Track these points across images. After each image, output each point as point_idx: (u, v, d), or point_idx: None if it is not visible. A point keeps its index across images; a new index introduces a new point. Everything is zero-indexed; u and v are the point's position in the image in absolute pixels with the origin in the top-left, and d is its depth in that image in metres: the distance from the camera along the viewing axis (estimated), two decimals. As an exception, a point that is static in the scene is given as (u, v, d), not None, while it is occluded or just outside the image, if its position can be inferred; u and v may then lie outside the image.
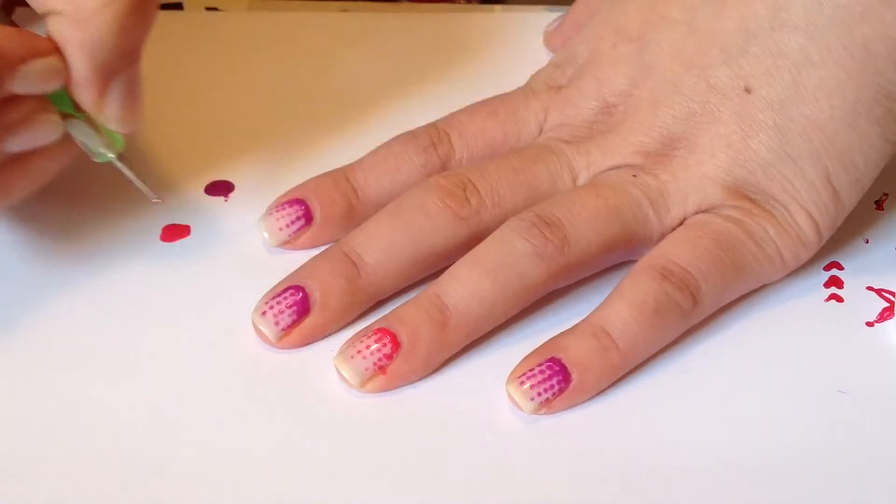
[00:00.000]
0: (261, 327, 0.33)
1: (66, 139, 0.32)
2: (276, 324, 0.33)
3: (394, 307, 0.33)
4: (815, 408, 0.32)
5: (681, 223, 0.34)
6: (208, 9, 0.47)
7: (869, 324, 0.34)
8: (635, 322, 0.32)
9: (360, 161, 0.37)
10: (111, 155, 0.33)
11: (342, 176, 0.36)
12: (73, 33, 0.30)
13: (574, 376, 0.31)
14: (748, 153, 0.34)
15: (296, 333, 0.33)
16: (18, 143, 0.31)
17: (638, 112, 0.35)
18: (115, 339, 0.33)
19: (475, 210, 0.34)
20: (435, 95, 0.42)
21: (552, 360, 0.31)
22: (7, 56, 0.29)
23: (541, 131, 0.37)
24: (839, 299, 0.35)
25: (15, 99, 0.30)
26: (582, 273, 0.34)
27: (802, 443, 0.31)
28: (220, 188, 0.38)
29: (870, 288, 0.35)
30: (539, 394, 0.31)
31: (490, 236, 0.33)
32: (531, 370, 0.31)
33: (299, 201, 0.36)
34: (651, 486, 0.30)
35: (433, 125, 0.37)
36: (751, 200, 0.34)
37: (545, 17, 0.45)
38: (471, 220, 0.34)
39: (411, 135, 0.37)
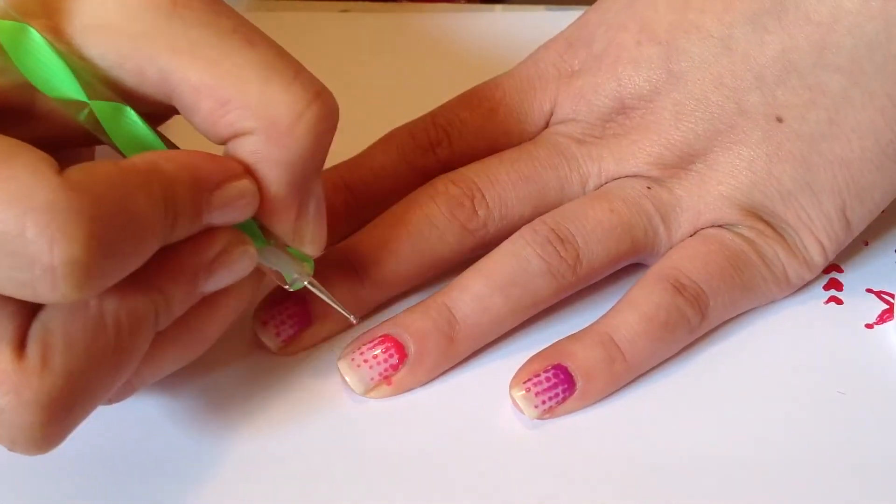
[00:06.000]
0: (262, 338, 0.33)
1: (254, 271, 0.29)
2: (278, 335, 0.33)
3: (395, 305, 0.34)
4: (815, 409, 0.32)
5: (691, 234, 0.34)
6: (208, 9, 0.47)
7: (868, 326, 0.34)
8: (645, 334, 0.32)
9: (358, 163, 0.35)
10: (307, 280, 0.30)
11: (340, 181, 0.35)
12: (271, 151, 0.26)
13: (578, 385, 0.31)
14: (770, 180, 0.33)
15: (296, 344, 0.33)
16: (216, 283, 0.27)
17: (659, 123, 0.34)
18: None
19: (483, 223, 0.34)
20: (435, 95, 0.41)
21: (558, 367, 0.31)
22: (205, 181, 0.26)
23: (547, 123, 0.36)
24: (839, 301, 0.35)
25: (209, 233, 0.27)
26: (586, 285, 0.34)
27: (802, 443, 0.31)
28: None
29: (869, 290, 0.36)
30: (543, 402, 0.31)
31: (504, 247, 0.33)
32: (536, 376, 0.31)
33: None
34: (653, 487, 0.30)
35: (432, 122, 0.36)
36: (764, 221, 0.34)
37: (545, 17, 0.45)
38: (478, 232, 0.34)
39: (409, 134, 0.36)
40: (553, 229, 0.33)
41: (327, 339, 0.33)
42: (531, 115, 0.36)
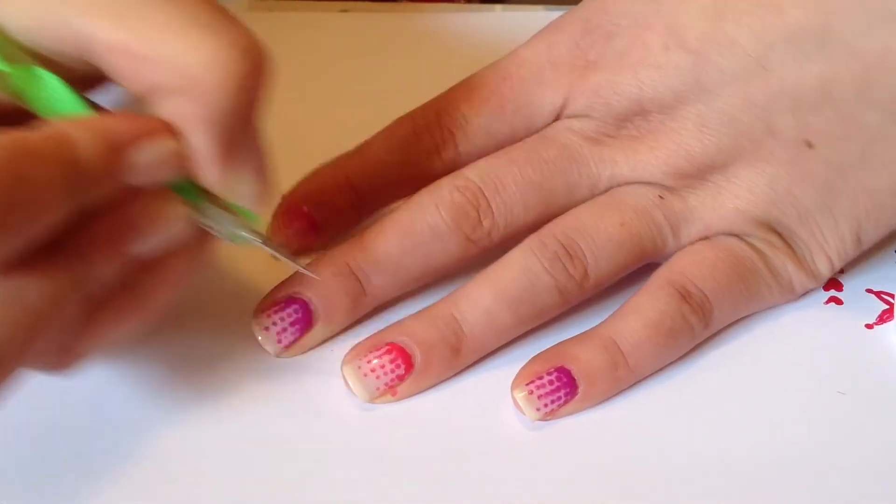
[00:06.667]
0: (263, 344, 0.33)
1: (199, 232, 0.28)
2: (279, 341, 0.33)
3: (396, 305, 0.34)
4: (815, 409, 0.32)
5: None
6: (208, 9, 0.47)
7: (868, 326, 0.34)
8: (648, 341, 0.32)
9: (362, 160, 0.35)
10: (249, 235, 0.29)
11: (344, 180, 0.34)
12: (190, 107, 0.26)
13: (580, 388, 0.31)
14: (790, 198, 0.33)
15: (297, 347, 0.33)
16: (147, 244, 0.27)
17: (680, 132, 0.33)
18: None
19: (487, 232, 0.33)
20: (435, 95, 0.42)
21: (560, 369, 0.31)
22: (119, 142, 0.25)
23: (557, 116, 0.34)
24: (839, 302, 0.35)
25: (133, 194, 0.26)
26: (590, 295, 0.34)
27: (802, 444, 0.31)
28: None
29: (869, 290, 0.36)
30: (546, 404, 0.31)
31: (515, 259, 0.32)
32: (539, 378, 0.31)
33: (304, 215, 0.34)
34: (654, 489, 0.30)
35: (436, 121, 0.35)
36: (776, 233, 0.34)
37: (545, 17, 0.45)
38: (481, 241, 0.33)
39: (414, 134, 0.35)
40: (563, 244, 0.32)
41: (325, 340, 0.33)
42: (541, 109, 0.35)
